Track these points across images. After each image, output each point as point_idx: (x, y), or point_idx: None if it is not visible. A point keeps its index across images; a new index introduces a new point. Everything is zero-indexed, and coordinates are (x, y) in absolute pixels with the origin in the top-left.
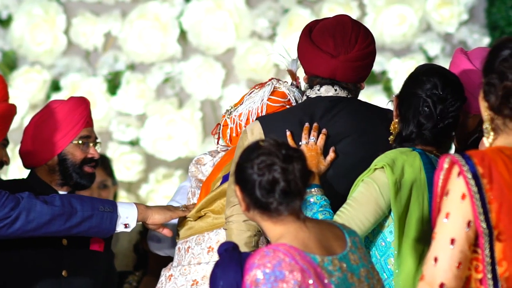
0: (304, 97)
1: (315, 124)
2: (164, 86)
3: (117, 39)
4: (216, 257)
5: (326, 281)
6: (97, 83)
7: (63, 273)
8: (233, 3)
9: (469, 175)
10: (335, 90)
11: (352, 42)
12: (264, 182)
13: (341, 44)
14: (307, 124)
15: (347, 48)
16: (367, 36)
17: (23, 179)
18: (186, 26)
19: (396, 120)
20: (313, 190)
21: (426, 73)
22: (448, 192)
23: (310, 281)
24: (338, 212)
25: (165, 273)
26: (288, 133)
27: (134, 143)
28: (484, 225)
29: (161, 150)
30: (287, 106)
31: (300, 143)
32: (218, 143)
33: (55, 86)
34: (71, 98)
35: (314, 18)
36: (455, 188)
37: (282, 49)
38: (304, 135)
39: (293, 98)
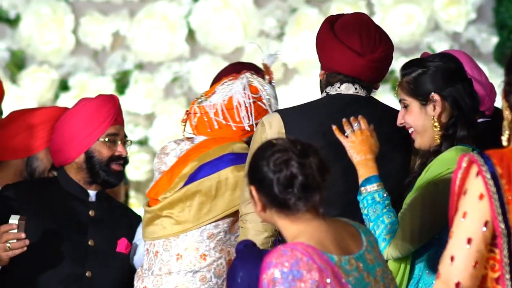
0: (323, 94)
1: (352, 117)
2: (172, 85)
3: (125, 38)
4: (186, 265)
5: (343, 280)
6: (105, 82)
7: (87, 273)
8: (241, 3)
9: (488, 175)
10: (355, 88)
11: (377, 43)
12: (282, 178)
13: (367, 43)
14: (344, 120)
15: (372, 48)
16: (388, 38)
17: (54, 177)
18: (194, 25)
19: (436, 120)
20: (375, 185)
21: (459, 70)
22: (466, 192)
23: (328, 280)
24: (400, 215)
25: (138, 284)
26: (334, 127)
27: (142, 142)
28: (502, 225)
29: None
30: (258, 102)
31: (346, 134)
32: (184, 130)
33: (63, 86)
34: (100, 95)
35: (322, 18)
36: (473, 188)
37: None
38: (346, 127)
39: (265, 94)
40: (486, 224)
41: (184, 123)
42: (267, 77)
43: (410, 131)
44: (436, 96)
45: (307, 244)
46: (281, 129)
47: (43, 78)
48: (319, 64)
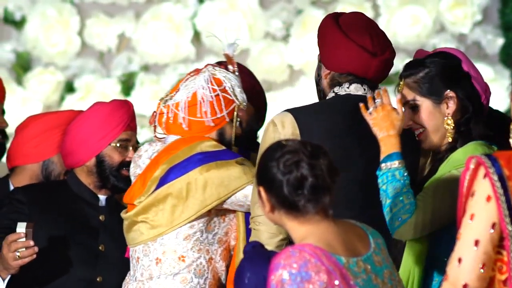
0: (331, 94)
1: (377, 91)
2: None
3: (130, 40)
4: (165, 269)
5: (351, 282)
6: (111, 84)
7: (98, 279)
8: (247, 4)
9: (495, 177)
10: (364, 89)
11: (385, 43)
12: (292, 179)
13: (377, 43)
14: (369, 95)
15: (382, 48)
16: (388, 37)
17: (63, 180)
18: (200, 27)
19: (451, 117)
20: (396, 162)
21: (461, 67)
22: (473, 193)
23: (336, 282)
24: (418, 197)
25: None
26: (361, 104)
27: None
28: (510, 227)
29: None
30: (223, 94)
31: (368, 111)
32: (155, 131)
33: (69, 88)
34: (114, 100)
35: None
36: (481, 190)
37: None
38: (369, 104)
39: (230, 85)
40: (493, 226)
41: (152, 125)
42: (230, 67)
43: (418, 132)
44: (451, 93)
45: (315, 245)
46: (295, 129)
47: (49, 80)
48: None
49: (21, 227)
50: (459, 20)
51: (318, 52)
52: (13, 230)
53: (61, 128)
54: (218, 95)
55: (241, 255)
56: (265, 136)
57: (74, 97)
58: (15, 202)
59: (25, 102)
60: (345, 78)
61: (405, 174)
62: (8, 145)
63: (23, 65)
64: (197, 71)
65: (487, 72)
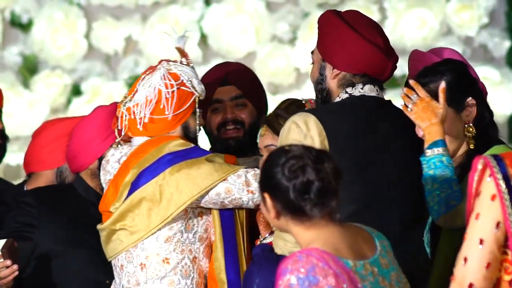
0: (345, 94)
1: (405, 89)
2: None
3: (137, 43)
4: (151, 273)
5: (359, 285)
6: (117, 87)
7: (107, 281)
8: (254, 7)
9: (499, 176)
10: (376, 90)
11: (390, 44)
12: (298, 184)
13: (387, 43)
14: (402, 95)
15: (391, 48)
16: None
17: (70, 183)
18: (207, 30)
19: (471, 124)
20: (441, 148)
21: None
22: (479, 193)
23: (344, 286)
24: None
25: None
26: (401, 105)
27: None
28: None
29: None
30: (182, 88)
31: (409, 108)
32: (120, 135)
33: (76, 90)
34: (114, 103)
35: None
36: (486, 189)
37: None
38: (406, 101)
39: (186, 78)
40: (498, 225)
41: (115, 128)
42: (183, 60)
43: None
44: (472, 101)
45: (322, 249)
46: (321, 130)
47: (56, 83)
48: None
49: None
50: (465, 23)
51: (316, 52)
52: (21, 233)
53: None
54: (177, 89)
55: (219, 253)
56: (287, 138)
57: (81, 100)
58: (23, 205)
59: (32, 105)
60: (359, 79)
61: (451, 161)
62: (7, 147)
63: (30, 68)
64: (152, 69)
65: (494, 75)
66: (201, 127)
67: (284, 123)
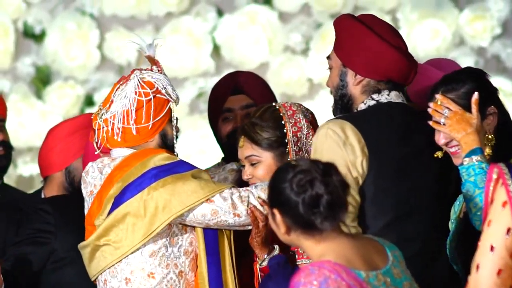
0: (371, 101)
1: (432, 104)
2: (198, 101)
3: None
4: (136, 287)
5: None
6: None
7: None
8: (266, 18)
9: (510, 183)
10: (401, 97)
11: None
12: (307, 198)
13: (407, 47)
14: (431, 109)
15: (409, 53)
16: None
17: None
18: (219, 40)
19: (491, 133)
20: (479, 156)
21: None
22: (492, 201)
23: None
24: None
25: None
26: (430, 122)
27: None
28: None
29: (194, 164)
30: (158, 96)
31: (441, 121)
32: (98, 147)
33: (89, 101)
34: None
35: None
36: (498, 197)
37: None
38: (438, 116)
39: (161, 85)
40: (508, 231)
41: (93, 141)
42: (155, 67)
43: (454, 150)
44: (494, 109)
45: (334, 262)
46: (360, 138)
47: (69, 93)
48: None
49: None
50: (478, 34)
51: (335, 57)
52: (37, 238)
53: (79, 132)
54: (152, 98)
55: (203, 268)
56: (324, 146)
57: (93, 111)
58: (41, 212)
59: (44, 116)
60: (384, 85)
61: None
62: (19, 157)
63: (42, 78)
64: (126, 79)
65: (507, 85)
66: (177, 134)
67: (261, 131)
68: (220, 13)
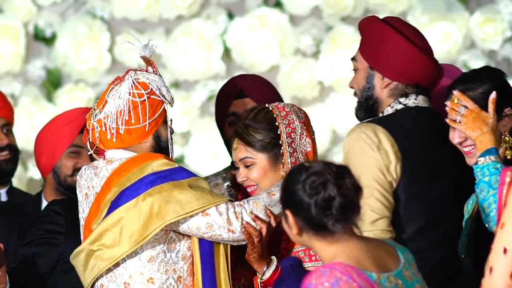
0: (398, 105)
1: (449, 101)
2: (208, 103)
3: (161, 56)
4: None
5: None
6: None
7: None
8: (277, 21)
9: None
10: (427, 101)
11: None
12: (320, 200)
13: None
14: (449, 108)
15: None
16: None
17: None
18: (230, 43)
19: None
20: (493, 156)
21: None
22: (506, 204)
23: None
24: None
25: None
26: (447, 119)
27: (178, 160)
28: None
29: (206, 167)
30: (152, 97)
31: (458, 121)
32: (91, 148)
33: None
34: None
35: (358, 36)
36: (510, 199)
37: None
38: (454, 115)
39: (155, 86)
40: None
41: (86, 141)
42: (150, 68)
43: (468, 149)
44: (511, 111)
45: (345, 263)
46: (393, 143)
47: (79, 96)
48: None
49: None
50: (489, 37)
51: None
52: (48, 239)
53: (60, 131)
54: (147, 98)
55: (198, 275)
56: (356, 149)
57: None
58: (52, 213)
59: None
60: (412, 89)
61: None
62: (23, 160)
63: (53, 82)
64: (120, 79)
65: None
66: (172, 135)
67: (255, 133)
68: (230, 16)
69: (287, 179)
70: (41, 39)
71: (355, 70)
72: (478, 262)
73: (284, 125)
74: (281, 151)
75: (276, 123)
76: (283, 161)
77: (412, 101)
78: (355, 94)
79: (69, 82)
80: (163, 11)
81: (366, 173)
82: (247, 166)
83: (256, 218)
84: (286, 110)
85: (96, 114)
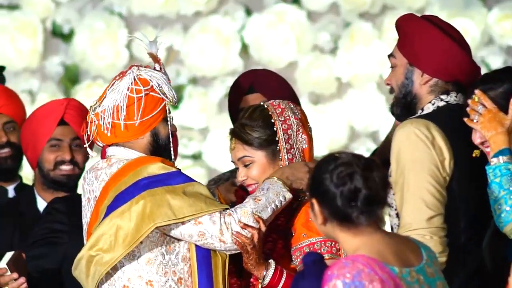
0: (440, 102)
1: (470, 100)
2: (226, 100)
3: (179, 53)
4: None
5: None
6: None
7: None
8: (295, 17)
9: None
10: (464, 98)
11: None
12: (345, 191)
13: None
14: (469, 109)
15: None
16: None
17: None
18: (248, 40)
19: None
20: (505, 157)
21: None
22: None
23: None
24: None
25: None
26: (465, 118)
27: (196, 156)
28: None
29: (224, 163)
30: (151, 93)
31: (475, 120)
32: (87, 140)
33: None
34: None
35: (375, 32)
36: None
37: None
38: (472, 114)
39: (156, 83)
40: None
41: (85, 134)
42: (157, 65)
43: (490, 150)
44: None
45: (368, 256)
46: (445, 139)
47: (97, 92)
48: (373, 78)
49: (3, 262)
50: (507, 33)
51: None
52: (51, 238)
53: (38, 125)
54: (146, 95)
55: (195, 279)
56: (407, 143)
57: None
58: (54, 212)
59: None
60: (453, 86)
61: None
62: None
63: (71, 78)
64: (123, 74)
65: None
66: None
67: (251, 131)
68: (248, 12)
69: (317, 167)
70: (59, 35)
71: (393, 67)
72: (497, 259)
73: (280, 122)
74: (278, 147)
75: (272, 120)
76: (280, 157)
77: (453, 98)
78: (391, 90)
79: (87, 79)
80: (180, 7)
81: (419, 169)
82: (246, 165)
83: (246, 226)
84: (281, 107)
85: (95, 108)
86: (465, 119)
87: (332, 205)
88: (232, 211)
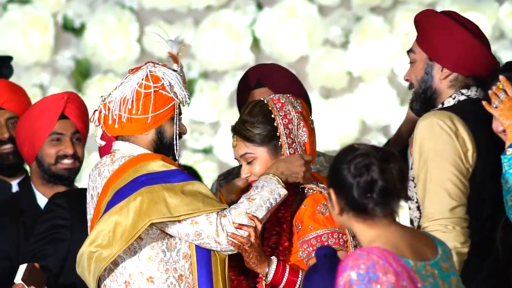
0: (461, 96)
1: (494, 87)
2: None
3: (190, 47)
4: None
5: (419, 285)
6: None
7: None
8: (306, 11)
9: None
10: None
11: None
12: (362, 182)
13: None
14: (491, 92)
15: None
16: None
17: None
18: (259, 34)
19: None
20: None
21: None
22: None
23: (404, 283)
24: None
25: None
26: (484, 102)
27: (207, 151)
28: None
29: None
30: (160, 91)
31: (494, 104)
32: (97, 126)
33: None
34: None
35: (386, 26)
36: None
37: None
38: (493, 99)
39: (168, 82)
40: None
41: (93, 121)
42: (175, 65)
43: None
44: None
45: (383, 248)
46: (469, 132)
47: (108, 87)
48: (384, 72)
49: (20, 275)
50: None
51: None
52: (54, 235)
53: (36, 120)
54: (155, 92)
55: (195, 273)
56: (432, 134)
57: None
58: (55, 208)
59: None
60: (473, 81)
61: None
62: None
63: (82, 72)
64: (137, 69)
65: None
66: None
67: (252, 127)
68: (259, 6)
69: (336, 158)
70: (70, 29)
71: (412, 62)
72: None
73: (281, 117)
74: (280, 142)
75: (272, 116)
76: (282, 152)
77: (473, 92)
78: (410, 86)
79: (98, 73)
80: (192, 1)
81: (443, 160)
82: (249, 162)
83: (241, 225)
84: (281, 101)
85: (106, 98)
86: (484, 103)
87: (348, 195)
88: (227, 212)
